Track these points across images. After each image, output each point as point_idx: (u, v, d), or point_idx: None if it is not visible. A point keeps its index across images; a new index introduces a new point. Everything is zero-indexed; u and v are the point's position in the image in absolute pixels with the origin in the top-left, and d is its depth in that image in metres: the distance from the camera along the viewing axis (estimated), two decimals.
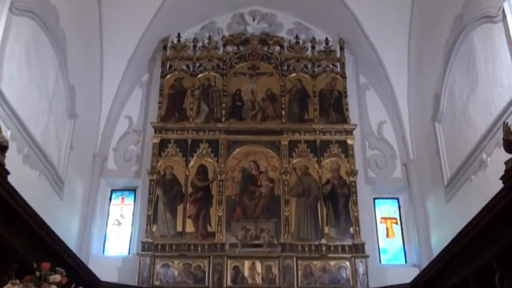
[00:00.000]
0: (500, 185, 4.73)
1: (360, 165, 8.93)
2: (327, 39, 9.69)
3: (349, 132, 8.87)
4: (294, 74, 9.39)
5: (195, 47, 9.59)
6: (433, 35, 8.10)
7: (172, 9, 9.30)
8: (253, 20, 10.20)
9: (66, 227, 7.75)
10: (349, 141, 8.79)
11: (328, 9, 9.56)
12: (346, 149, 8.74)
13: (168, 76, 9.31)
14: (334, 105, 9.10)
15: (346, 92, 9.18)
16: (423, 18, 8.48)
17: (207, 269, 7.93)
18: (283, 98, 9.13)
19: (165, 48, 9.53)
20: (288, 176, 8.55)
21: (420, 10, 8.55)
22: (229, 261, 8.00)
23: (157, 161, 8.61)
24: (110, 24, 8.95)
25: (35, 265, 4.49)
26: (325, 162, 8.66)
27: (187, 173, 8.58)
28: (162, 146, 8.74)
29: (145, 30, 9.23)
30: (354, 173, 8.55)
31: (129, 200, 9.26)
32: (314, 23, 10.09)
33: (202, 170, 8.65)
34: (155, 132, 8.85)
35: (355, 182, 8.51)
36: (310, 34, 9.97)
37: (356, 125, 8.97)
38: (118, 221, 9.12)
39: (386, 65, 9.19)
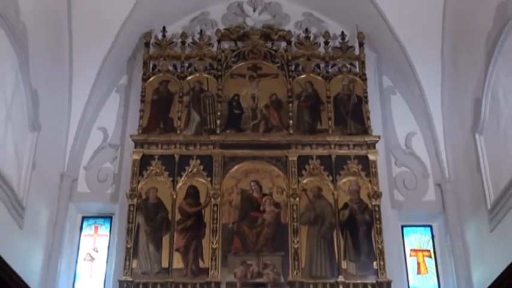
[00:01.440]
0: None
1: (385, 186, 8.89)
2: (343, 33, 9.70)
3: (371, 146, 8.84)
4: (303, 76, 9.40)
5: (183, 43, 9.61)
6: (472, 28, 8.11)
7: None
8: (254, 10, 10.23)
9: (27, 262, 7.69)
10: (371, 157, 8.76)
11: None
12: (367, 166, 8.70)
13: (151, 79, 9.32)
14: (353, 113, 9.09)
15: (366, 97, 9.18)
16: (460, 8, 8.49)
17: None
18: (290, 105, 9.12)
19: (147, 45, 9.55)
20: (297, 199, 8.50)
21: None
22: None
23: (138, 182, 8.58)
24: (80, 16, 8.98)
25: None
26: (342, 182, 8.63)
27: (174, 196, 8.55)
28: (143, 163, 8.71)
29: (124, 23, 9.27)
30: (377, 195, 8.51)
31: (104, 230, 9.23)
32: (327, 14, 10.13)
33: (192, 193, 8.62)
34: (135, 146, 8.83)
35: (378, 206, 8.47)
36: (323, 27, 10.01)
37: (379, 137, 8.94)
38: (90, 256, 9.07)
39: (415, 64, 9.20)
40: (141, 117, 9.02)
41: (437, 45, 9.08)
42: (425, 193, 9.18)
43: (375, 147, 8.84)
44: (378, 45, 9.88)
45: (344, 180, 8.65)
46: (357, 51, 9.57)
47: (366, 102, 9.16)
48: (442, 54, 9.08)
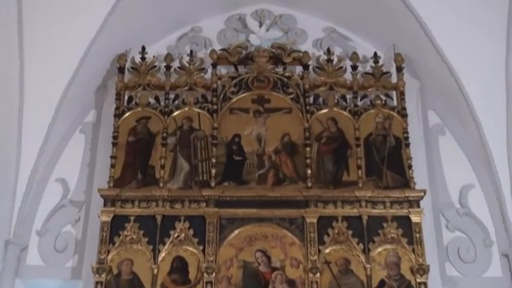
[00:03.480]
0: None
1: (434, 258, 8.78)
2: (376, 54, 9.72)
3: (414, 204, 8.72)
4: (325, 110, 9.37)
5: (168, 68, 9.62)
6: None
7: (132, 11, 9.37)
8: (260, 25, 10.27)
9: None
10: (415, 218, 8.64)
11: (378, 9, 9.61)
12: (409, 231, 8.59)
13: (126, 114, 9.33)
14: (390, 160, 9.03)
15: (407, 139, 9.12)
16: None
17: None
18: (308, 149, 9.06)
19: (121, 70, 9.56)
20: (318, 274, 8.38)
21: None
22: None
23: (108, 252, 8.51)
24: (34, 32, 9.00)
25: None
26: (376, 252, 8.54)
27: (155, 270, 8.46)
28: (116, 226, 8.65)
29: (91, 42, 9.23)
30: (423, 269, 8.37)
31: None
32: (355, 30, 10.19)
33: (179, 266, 8.53)
34: (105, 204, 8.76)
35: (425, 284, 8.33)
36: (350, 47, 10.08)
37: (425, 192, 8.81)
38: None
39: (471, 95, 9.13)
40: (112, 166, 8.97)
41: (500, 71, 9.05)
42: (488, 267, 9.02)
43: (419, 206, 8.73)
44: (422, 71, 9.84)
45: (379, 249, 8.57)
46: (394, 79, 9.54)
47: (407, 145, 9.09)
48: (506, 83, 9.03)
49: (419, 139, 9.52)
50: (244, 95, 9.47)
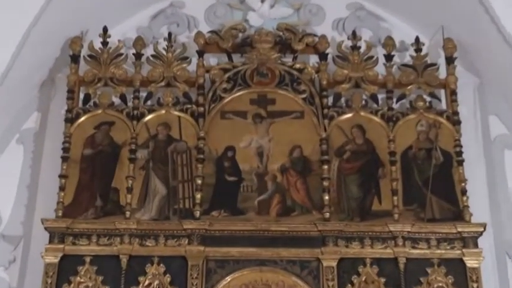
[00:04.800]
0: None
1: None
2: (417, 40, 9.48)
3: (470, 242, 8.39)
4: (348, 115, 9.15)
5: (139, 56, 9.36)
6: None
7: None
8: None
9: None
10: (471, 262, 8.31)
11: None
12: (463, 279, 8.28)
13: (81, 119, 9.12)
14: (436, 183, 8.73)
15: (461, 154, 8.80)
16: None
17: None
18: (325, 167, 8.80)
19: (75, 59, 9.29)
20: None
21: None
22: None
23: None
24: None
25: None
26: None
27: None
28: (65, 270, 8.34)
29: (35, 21, 8.81)
30: None
31: None
32: (390, 7, 10.02)
33: None
34: (51, 240, 8.42)
35: None
36: (383, 29, 9.91)
37: (485, 226, 8.44)
38: None
39: None
40: (62, 188, 8.69)
41: None
42: None
43: (477, 245, 8.42)
44: (481, 63, 9.58)
45: None
46: (443, 73, 9.29)
47: (460, 162, 8.78)
48: None
49: (478, 154, 9.32)
50: (241, 93, 9.32)
